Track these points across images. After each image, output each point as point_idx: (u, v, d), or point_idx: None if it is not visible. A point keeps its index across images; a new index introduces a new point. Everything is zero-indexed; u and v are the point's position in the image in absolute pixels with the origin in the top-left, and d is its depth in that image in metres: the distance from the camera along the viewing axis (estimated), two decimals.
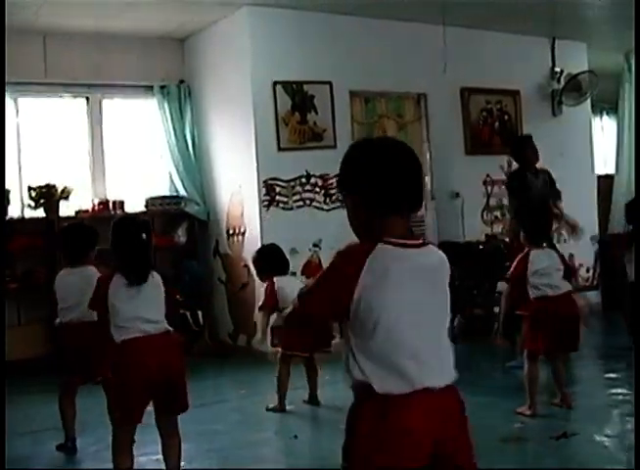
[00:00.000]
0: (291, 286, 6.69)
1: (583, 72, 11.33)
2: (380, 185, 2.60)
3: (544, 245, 6.54)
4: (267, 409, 6.92)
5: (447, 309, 2.77)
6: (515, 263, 6.52)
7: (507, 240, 9.64)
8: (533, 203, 7.98)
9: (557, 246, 9.18)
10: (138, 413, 4.57)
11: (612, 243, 9.78)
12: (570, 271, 6.69)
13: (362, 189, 2.65)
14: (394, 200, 2.61)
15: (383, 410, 2.54)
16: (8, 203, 8.86)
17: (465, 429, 2.77)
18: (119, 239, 4.73)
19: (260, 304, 7.05)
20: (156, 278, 4.80)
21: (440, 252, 2.80)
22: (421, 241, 2.71)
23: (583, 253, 11.11)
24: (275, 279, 6.91)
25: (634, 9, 8.03)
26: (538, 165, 9.06)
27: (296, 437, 6.04)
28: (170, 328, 4.76)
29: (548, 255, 6.49)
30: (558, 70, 11.34)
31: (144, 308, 4.61)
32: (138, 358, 4.51)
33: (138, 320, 4.56)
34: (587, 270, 11.69)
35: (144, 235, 4.70)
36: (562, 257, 6.66)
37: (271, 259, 7.09)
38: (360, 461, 2.58)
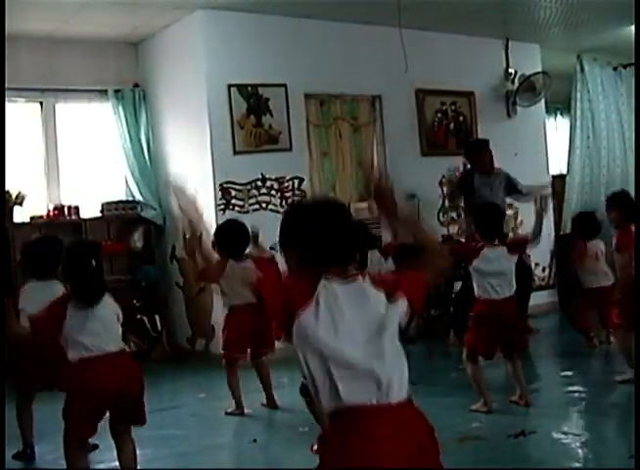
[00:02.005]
0: (244, 273, 6.66)
1: (537, 73, 11.42)
2: (313, 246, 2.85)
3: (496, 243, 6.56)
4: (226, 413, 6.91)
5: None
6: (469, 246, 6.64)
7: (462, 240, 9.70)
8: (484, 202, 8.02)
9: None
10: (92, 429, 4.72)
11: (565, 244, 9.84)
12: (526, 271, 6.68)
13: (298, 249, 2.89)
14: (327, 257, 2.84)
15: None
16: None
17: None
18: (70, 265, 4.86)
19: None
20: (108, 300, 4.86)
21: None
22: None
23: (539, 252, 11.18)
24: (229, 263, 6.83)
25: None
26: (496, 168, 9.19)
27: (255, 440, 6.03)
28: (126, 347, 4.90)
29: (498, 254, 6.51)
30: (512, 71, 11.41)
31: (98, 330, 4.70)
32: (94, 377, 4.60)
33: (93, 341, 4.65)
34: (543, 269, 11.77)
35: (93, 261, 4.79)
36: (519, 256, 6.69)
37: (228, 238, 7.00)
38: None
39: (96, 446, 5.68)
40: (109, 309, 4.84)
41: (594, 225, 8.64)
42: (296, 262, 2.90)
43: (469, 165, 9.65)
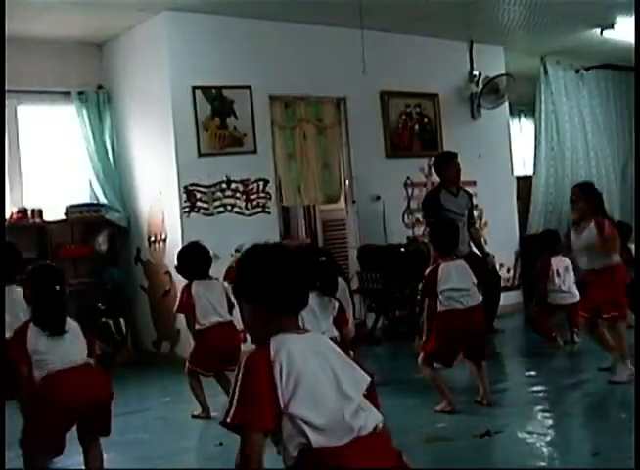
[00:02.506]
0: (211, 292, 6.73)
1: (501, 76, 11.47)
2: (271, 293, 2.84)
3: (454, 257, 6.61)
4: (192, 416, 6.89)
5: None
6: (425, 278, 6.61)
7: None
8: (442, 219, 8.05)
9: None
10: (62, 444, 4.72)
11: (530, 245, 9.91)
12: (481, 283, 6.70)
13: (256, 296, 2.88)
14: (286, 303, 2.86)
15: None
16: None
17: None
18: (34, 291, 4.84)
19: (176, 308, 7.05)
20: (71, 323, 4.84)
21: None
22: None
23: (504, 253, 11.25)
24: (194, 283, 6.86)
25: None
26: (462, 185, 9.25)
27: (221, 443, 6.00)
28: (91, 360, 4.87)
29: (458, 268, 6.55)
30: (476, 73, 11.45)
31: (64, 350, 4.68)
32: (63, 391, 4.58)
33: (59, 358, 4.64)
34: (508, 271, 11.83)
35: (57, 286, 4.77)
36: (476, 266, 6.75)
37: (190, 261, 7.01)
38: None
39: None
40: (72, 331, 4.80)
41: (558, 241, 8.82)
42: (255, 312, 2.89)
43: (433, 177, 9.65)
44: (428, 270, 6.60)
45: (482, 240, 9.92)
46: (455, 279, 6.46)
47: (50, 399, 4.57)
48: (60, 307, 4.75)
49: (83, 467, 4.92)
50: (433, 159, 9.70)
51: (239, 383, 2.76)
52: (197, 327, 6.86)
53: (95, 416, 4.74)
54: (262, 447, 2.76)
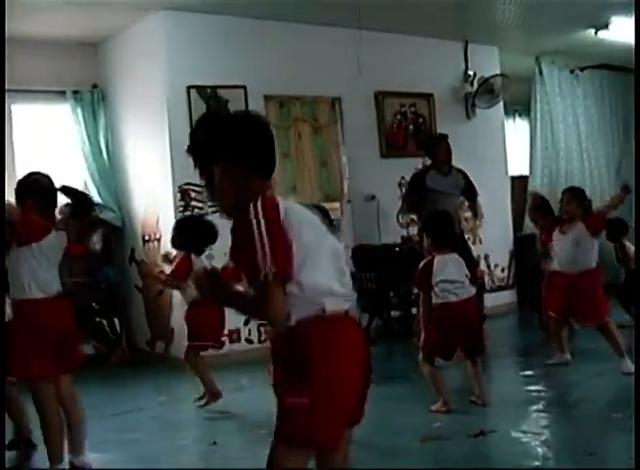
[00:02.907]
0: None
1: (495, 75, 11.48)
2: (254, 147, 2.92)
3: (449, 250, 6.59)
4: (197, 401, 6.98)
5: None
6: (419, 271, 6.58)
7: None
8: (435, 211, 8.05)
9: (472, 247, 9.35)
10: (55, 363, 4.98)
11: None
12: (475, 278, 6.72)
13: (236, 153, 2.90)
14: (265, 160, 2.96)
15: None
16: None
17: None
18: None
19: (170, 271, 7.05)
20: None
21: None
22: None
23: (498, 253, 11.26)
24: (193, 255, 6.85)
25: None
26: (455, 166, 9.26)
27: (214, 443, 6.00)
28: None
29: (452, 261, 6.54)
30: (471, 73, 11.47)
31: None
32: (45, 317, 4.94)
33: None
34: (502, 270, 11.84)
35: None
36: (469, 261, 6.75)
37: (189, 233, 6.98)
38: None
39: (35, 446, 5.68)
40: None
41: None
42: (232, 172, 2.91)
43: (428, 163, 9.67)
44: (422, 263, 6.57)
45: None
46: (450, 271, 6.45)
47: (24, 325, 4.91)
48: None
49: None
50: (422, 141, 9.84)
51: (263, 230, 2.77)
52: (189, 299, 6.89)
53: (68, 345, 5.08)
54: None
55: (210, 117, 3.04)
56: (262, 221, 2.75)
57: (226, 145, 2.91)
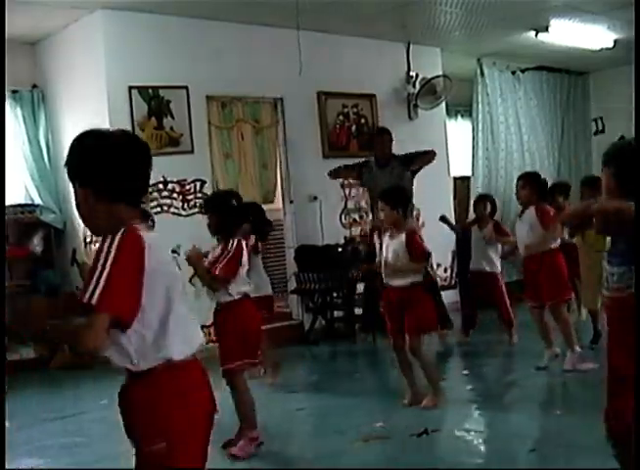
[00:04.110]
0: None
1: (438, 76, 11.54)
2: (113, 174, 2.74)
3: (397, 231, 6.50)
4: None
5: None
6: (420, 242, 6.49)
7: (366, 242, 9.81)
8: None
9: None
10: None
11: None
12: (417, 253, 6.45)
13: (95, 179, 2.76)
14: (125, 188, 2.76)
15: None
16: None
17: None
18: None
19: None
20: None
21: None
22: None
23: (441, 253, 11.31)
24: None
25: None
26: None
27: None
28: None
29: (395, 245, 6.47)
30: (413, 74, 11.52)
31: None
32: None
33: None
34: (445, 270, 11.91)
35: None
36: (410, 238, 6.47)
37: None
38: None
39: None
40: None
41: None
42: (91, 197, 2.78)
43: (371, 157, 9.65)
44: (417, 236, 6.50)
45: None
46: (392, 251, 6.49)
47: None
48: None
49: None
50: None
51: (110, 261, 2.61)
52: None
53: None
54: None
55: (81, 136, 2.85)
56: (112, 253, 2.61)
57: (83, 169, 2.81)
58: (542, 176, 8.03)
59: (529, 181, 7.70)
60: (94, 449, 6.11)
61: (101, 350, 2.74)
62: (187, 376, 2.81)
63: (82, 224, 8.05)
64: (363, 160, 9.74)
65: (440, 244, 11.41)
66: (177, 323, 2.77)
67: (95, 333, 2.64)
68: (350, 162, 10.11)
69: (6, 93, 9.58)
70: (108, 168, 2.73)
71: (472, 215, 12.44)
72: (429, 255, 6.59)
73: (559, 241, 7.59)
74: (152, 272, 2.66)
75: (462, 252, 9.95)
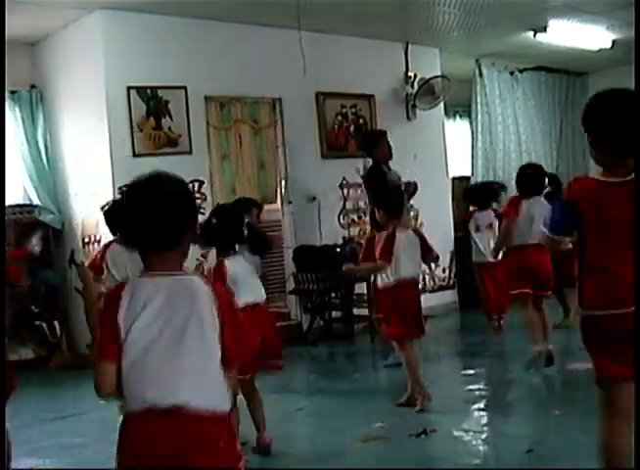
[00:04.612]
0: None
1: (436, 77, 11.54)
2: (129, 225, 2.89)
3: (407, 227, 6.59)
4: None
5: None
6: (382, 242, 6.50)
7: (362, 242, 9.78)
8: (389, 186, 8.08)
9: None
10: None
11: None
12: (429, 253, 6.64)
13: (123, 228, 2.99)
14: (140, 238, 2.86)
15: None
16: None
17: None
18: None
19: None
20: None
21: (200, 281, 2.90)
22: (179, 272, 2.89)
23: (439, 253, 11.27)
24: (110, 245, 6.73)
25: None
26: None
27: None
28: None
29: (407, 236, 6.53)
30: (411, 74, 11.52)
31: None
32: None
33: None
34: (443, 270, 11.91)
35: None
36: (421, 237, 6.67)
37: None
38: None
39: None
40: None
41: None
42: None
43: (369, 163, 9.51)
44: (384, 237, 6.52)
45: None
46: (404, 248, 6.49)
47: None
48: None
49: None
50: (361, 139, 9.80)
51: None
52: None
53: None
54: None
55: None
56: (103, 300, 2.79)
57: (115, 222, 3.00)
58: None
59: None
60: (94, 450, 6.08)
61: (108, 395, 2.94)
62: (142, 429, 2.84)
63: (81, 224, 8.03)
64: (370, 164, 9.53)
65: (439, 244, 11.40)
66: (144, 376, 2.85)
67: (97, 379, 2.91)
68: (349, 162, 10.13)
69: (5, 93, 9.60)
70: (126, 220, 2.92)
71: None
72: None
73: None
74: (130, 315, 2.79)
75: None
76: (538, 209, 7.15)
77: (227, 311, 2.82)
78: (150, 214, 2.82)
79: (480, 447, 5.47)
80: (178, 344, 2.77)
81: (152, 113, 9.17)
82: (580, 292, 3.74)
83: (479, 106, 13.04)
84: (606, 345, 3.64)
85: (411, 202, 9.81)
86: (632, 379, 3.60)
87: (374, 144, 9.16)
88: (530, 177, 7.59)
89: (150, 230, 2.82)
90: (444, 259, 11.86)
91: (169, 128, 9.27)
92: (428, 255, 6.69)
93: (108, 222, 6.81)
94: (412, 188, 9.28)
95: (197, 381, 2.78)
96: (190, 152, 9.35)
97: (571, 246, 4.00)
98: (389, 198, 6.78)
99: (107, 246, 6.80)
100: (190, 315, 2.78)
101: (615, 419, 3.68)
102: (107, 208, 6.91)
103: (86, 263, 7.03)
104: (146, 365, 2.77)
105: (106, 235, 8.99)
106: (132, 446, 2.79)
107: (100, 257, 6.78)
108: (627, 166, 3.58)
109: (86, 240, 9.51)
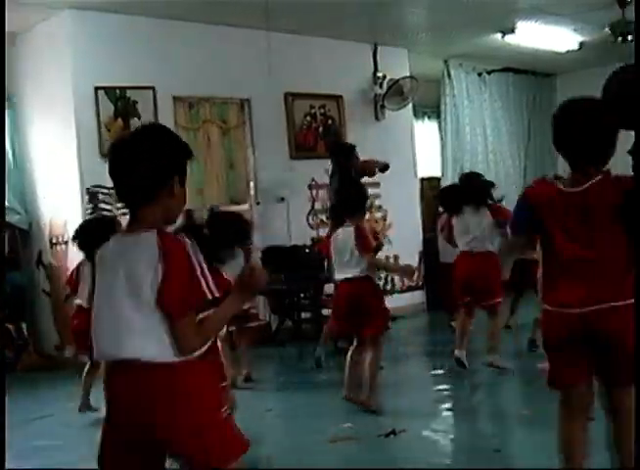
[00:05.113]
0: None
1: (405, 78, 11.57)
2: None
3: (345, 222, 6.53)
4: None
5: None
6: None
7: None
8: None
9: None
10: None
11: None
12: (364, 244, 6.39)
13: None
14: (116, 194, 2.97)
15: None
16: None
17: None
18: None
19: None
20: None
21: (152, 235, 2.84)
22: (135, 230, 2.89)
23: (408, 254, 11.34)
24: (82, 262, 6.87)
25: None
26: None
27: None
28: None
29: (343, 233, 6.51)
30: (380, 75, 11.54)
31: None
32: None
33: None
34: None
35: None
36: (360, 230, 6.45)
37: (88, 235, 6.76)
38: None
39: None
40: None
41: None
42: None
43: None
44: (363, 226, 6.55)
45: None
46: (340, 245, 6.54)
47: None
48: None
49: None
50: (332, 148, 9.83)
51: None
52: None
53: None
54: None
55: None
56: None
57: None
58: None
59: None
60: (64, 452, 6.06)
61: None
62: None
63: (48, 225, 8.04)
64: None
65: (407, 245, 11.47)
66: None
67: None
68: (318, 163, 10.15)
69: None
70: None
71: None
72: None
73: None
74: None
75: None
76: (473, 219, 7.40)
77: (168, 260, 2.75)
78: (116, 169, 2.88)
79: (449, 447, 5.49)
80: (110, 300, 2.83)
81: (120, 113, 9.12)
82: (542, 285, 3.82)
83: (447, 107, 13.09)
84: (557, 345, 3.69)
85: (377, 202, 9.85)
86: (583, 382, 3.65)
87: (347, 157, 9.13)
88: (457, 193, 7.79)
89: (118, 186, 2.90)
90: (413, 260, 11.89)
91: None
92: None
93: (79, 243, 6.85)
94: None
95: (128, 334, 2.79)
96: None
97: (535, 256, 4.06)
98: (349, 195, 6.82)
99: (79, 265, 6.96)
100: (123, 271, 2.81)
101: (569, 420, 3.72)
102: (77, 227, 6.98)
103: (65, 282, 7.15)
104: (95, 323, 2.88)
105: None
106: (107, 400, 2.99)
107: (75, 274, 6.99)
108: (590, 174, 3.59)
109: (54, 241, 9.45)
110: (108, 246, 2.92)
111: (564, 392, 3.74)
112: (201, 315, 2.86)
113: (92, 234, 6.68)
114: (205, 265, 2.80)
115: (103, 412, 6.53)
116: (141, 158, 2.83)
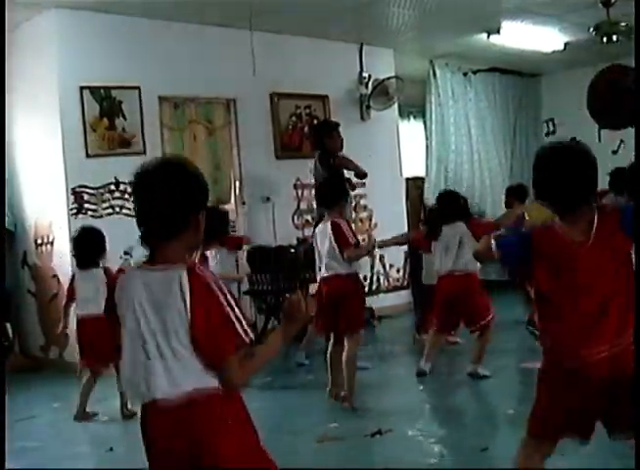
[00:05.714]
0: (93, 282, 6.62)
1: (390, 78, 11.58)
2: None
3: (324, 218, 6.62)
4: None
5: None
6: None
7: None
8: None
9: None
10: None
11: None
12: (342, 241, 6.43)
13: None
14: (139, 228, 2.87)
15: None
16: None
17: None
18: None
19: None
20: None
21: (182, 271, 2.80)
22: (158, 263, 2.84)
23: (393, 253, 11.35)
24: (77, 272, 6.95)
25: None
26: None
27: (111, 449, 5.94)
28: None
29: (323, 229, 6.58)
30: (366, 75, 11.55)
31: None
32: None
33: None
34: (397, 271, 11.96)
35: None
36: (335, 226, 6.50)
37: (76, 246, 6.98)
38: None
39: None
40: None
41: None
42: None
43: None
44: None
45: None
46: (318, 242, 6.68)
47: None
48: None
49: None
50: (314, 127, 9.83)
51: None
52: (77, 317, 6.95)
53: None
54: None
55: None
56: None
57: None
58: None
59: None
60: (47, 453, 6.07)
61: None
62: None
63: (33, 225, 8.03)
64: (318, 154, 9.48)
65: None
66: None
67: None
68: (303, 163, 10.15)
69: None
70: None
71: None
72: None
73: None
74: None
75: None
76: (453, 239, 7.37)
77: (198, 297, 2.73)
78: (140, 205, 2.86)
79: (436, 447, 5.49)
80: (142, 340, 2.80)
81: (105, 113, 9.11)
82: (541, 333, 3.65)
83: (432, 106, 13.09)
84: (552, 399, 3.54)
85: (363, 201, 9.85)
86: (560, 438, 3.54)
87: (327, 133, 9.16)
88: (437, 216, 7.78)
89: (140, 221, 2.85)
90: (398, 260, 11.91)
91: (123, 129, 9.22)
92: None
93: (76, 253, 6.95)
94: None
95: (164, 374, 2.78)
96: (144, 152, 9.27)
97: None
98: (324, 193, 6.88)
99: (73, 276, 7.04)
100: (159, 308, 2.77)
101: (532, 454, 3.65)
102: (74, 236, 7.05)
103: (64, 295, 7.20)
104: (129, 365, 2.87)
105: (59, 236, 8.98)
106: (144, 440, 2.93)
107: (71, 286, 7.01)
108: (583, 217, 3.43)
109: (39, 241, 9.43)
110: (132, 281, 2.84)
111: (541, 440, 3.63)
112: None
113: (87, 247, 6.83)
114: (233, 301, 2.79)
115: (99, 416, 6.58)
116: (167, 202, 2.81)
